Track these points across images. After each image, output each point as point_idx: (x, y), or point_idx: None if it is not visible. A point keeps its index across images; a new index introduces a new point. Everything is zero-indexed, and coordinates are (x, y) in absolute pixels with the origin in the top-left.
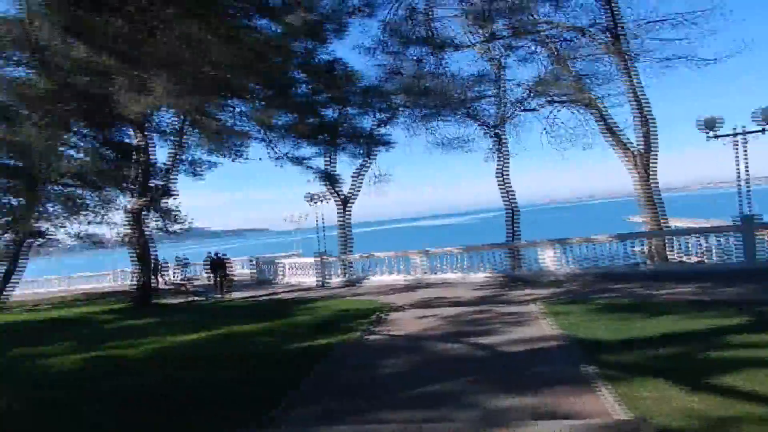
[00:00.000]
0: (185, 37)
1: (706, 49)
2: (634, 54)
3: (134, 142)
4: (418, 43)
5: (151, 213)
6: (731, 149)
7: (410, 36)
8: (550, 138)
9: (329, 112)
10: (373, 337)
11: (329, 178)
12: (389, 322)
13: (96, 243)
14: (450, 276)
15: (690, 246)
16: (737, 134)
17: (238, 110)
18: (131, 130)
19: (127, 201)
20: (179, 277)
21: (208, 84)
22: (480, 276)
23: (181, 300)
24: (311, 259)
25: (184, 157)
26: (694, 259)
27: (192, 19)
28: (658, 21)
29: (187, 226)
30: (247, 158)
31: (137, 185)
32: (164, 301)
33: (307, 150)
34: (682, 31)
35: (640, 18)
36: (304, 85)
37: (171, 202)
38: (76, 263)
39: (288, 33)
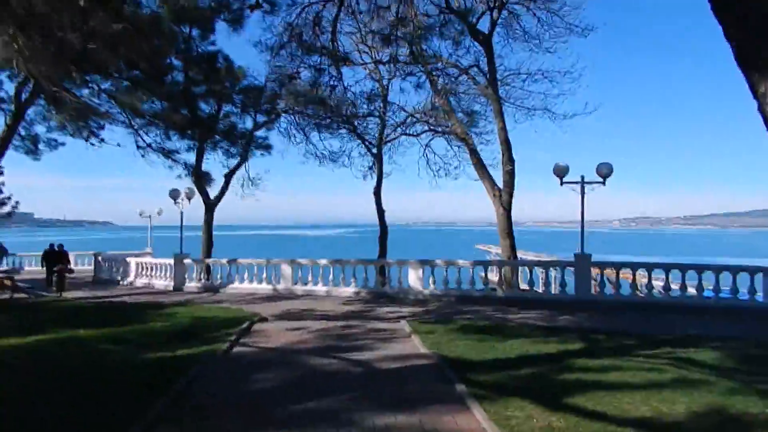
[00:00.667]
0: None
1: (564, 106)
2: (504, 99)
3: None
4: (319, 52)
5: None
6: (578, 194)
7: (312, 43)
8: (426, 163)
9: (206, 107)
10: (239, 349)
11: (200, 176)
12: (256, 333)
13: None
14: (318, 288)
15: (535, 276)
16: (579, 183)
17: (100, 88)
18: None
19: None
20: None
21: (68, 52)
22: (348, 290)
23: (3, 295)
24: (165, 260)
25: (22, 131)
26: (537, 288)
27: None
28: (524, 74)
29: (10, 210)
30: (103, 141)
31: None
32: None
33: (177, 143)
34: (542, 86)
35: (511, 68)
36: (180, 74)
37: None
38: None
39: (173, 14)
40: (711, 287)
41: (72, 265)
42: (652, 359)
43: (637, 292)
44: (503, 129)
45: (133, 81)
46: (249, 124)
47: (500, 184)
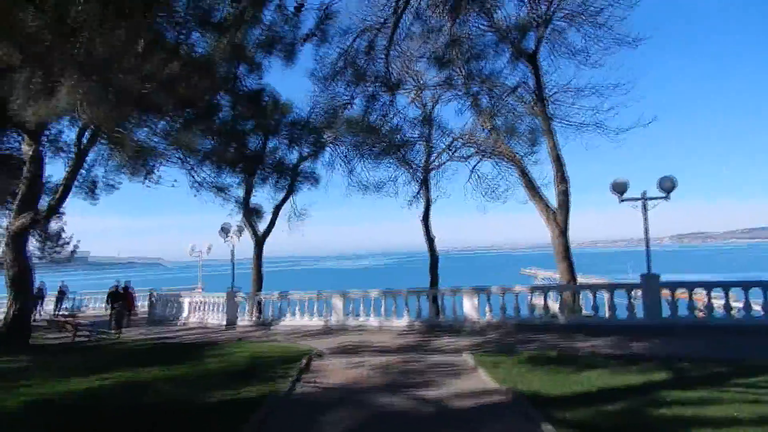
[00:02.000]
0: (110, 40)
1: (615, 120)
2: (554, 117)
3: (24, 152)
4: (372, 79)
5: (32, 234)
6: (639, 212)
7: (365, 70)
8: (474, 188)
9: (254, 142)
10: (302, 388)
11: (250, 211)
12: (316, 370)
13: None
14: (370, 321)
15: (597, 300)
16: (641, 199)
17: (156, 128)
18: (21, 137)
19: (5, 218)
20: (61, 310)
21: (128, 95)
22: (401, 322)
23: (66, 336)
24: (218, 297)
25: (81, 175)
26: (602, 313)
27: (121, 20)
28: (572, 89)
29: (71, 252)
30: (159, 181)
31: (22, 201)
32: (44, 337)
33: (228, 179)
34: (592, 101)
35: (560, 84)
36: (228, 111)
37: (55, 225)
38: None
39: (226, 52)
40: None
41: (134, 305)
42: (753, 389)
43: (714, 313)
44: (554, 147)
45: (187, 120)
46: (295, 157)
47: (553, 204)
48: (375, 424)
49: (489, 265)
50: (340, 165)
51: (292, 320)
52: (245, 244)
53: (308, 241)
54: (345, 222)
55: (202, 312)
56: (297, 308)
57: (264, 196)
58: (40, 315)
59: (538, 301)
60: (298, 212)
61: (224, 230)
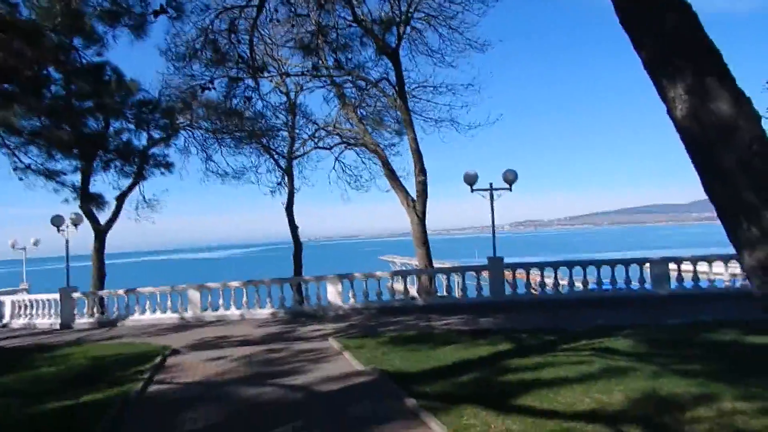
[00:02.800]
0: None
1: (468, 117)
2: (414, 111)
3: None
4: (235, 61)
5: None
6: (488, 201)
7: (227, 52)
8: (338, 176)
9: (95, 123)
10: (157, 387)
11: (90, 199)
12: (172, 367)
13: None
14: (230, 313)
15: (450, 282)
16: (488, 190)
17: None
18: None
19: None
20: None
21: None
22: (264, 312)
23: None
24: (49, 296)
25: None
26: (455, 293)
27: None
28: (430, 87)
29: None
30: None
31: None
32: None
33: (62, 163)
34: (447, 98)
35: (419, 81)
36: (62, 86)
37: None
38: None
39: (53, 19)
40: (608, 280)
41: None
42: (576, 352)
43: (545, 290)
44: (414, 140)
45: (7, 94)
46: (145, 141)
47: (413, 194)
48: (242, 415)
49: (351, 253)
50: (197, 150)
51: (142, 317)
52: (84, 237)
53: (161, 233)
54: (204, 211)
55: (29, 314)
56: (147, 304)
57: (107, 183)
58: None
59: (399, 285)
60: (147, 201)
61: (57, 221)
